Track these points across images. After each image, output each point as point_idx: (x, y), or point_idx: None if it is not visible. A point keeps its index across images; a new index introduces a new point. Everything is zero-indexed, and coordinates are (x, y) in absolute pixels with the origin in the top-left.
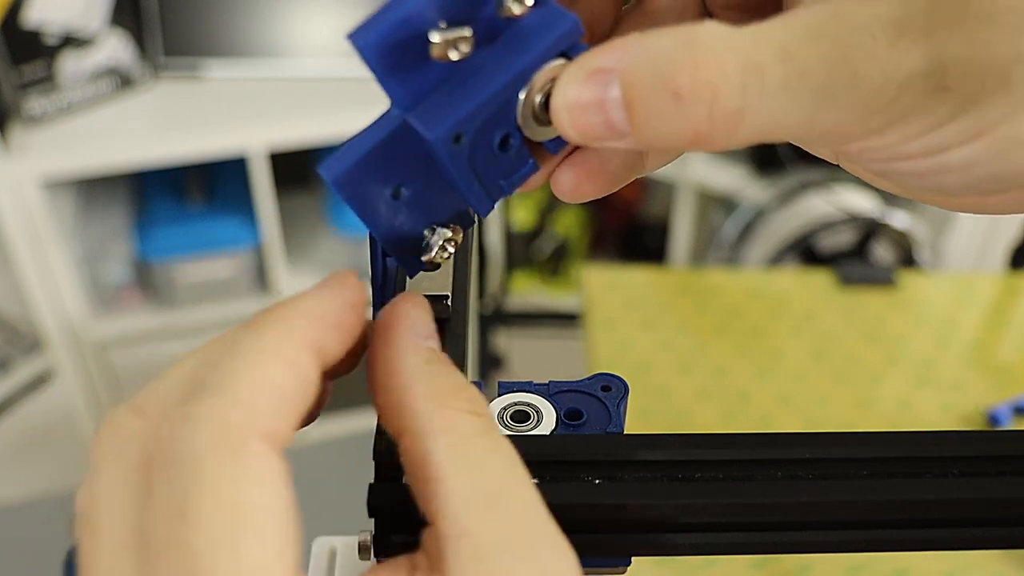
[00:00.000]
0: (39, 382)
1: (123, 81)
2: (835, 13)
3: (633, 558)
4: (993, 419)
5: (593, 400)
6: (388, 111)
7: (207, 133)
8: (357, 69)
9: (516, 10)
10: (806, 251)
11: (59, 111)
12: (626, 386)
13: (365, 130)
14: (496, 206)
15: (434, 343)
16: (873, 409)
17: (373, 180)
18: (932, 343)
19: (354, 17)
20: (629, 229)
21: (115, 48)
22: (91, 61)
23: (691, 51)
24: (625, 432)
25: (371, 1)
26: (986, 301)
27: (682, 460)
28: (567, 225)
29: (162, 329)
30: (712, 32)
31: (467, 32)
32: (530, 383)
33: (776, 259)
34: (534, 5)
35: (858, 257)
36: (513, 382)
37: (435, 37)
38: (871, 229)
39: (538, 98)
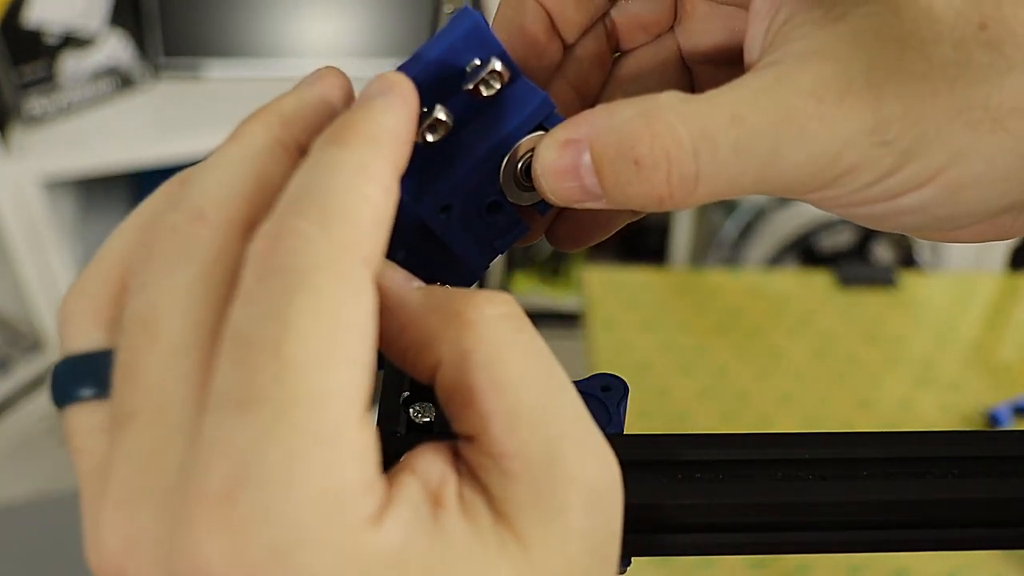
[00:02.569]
0: (39, 382)
1: (123, 81)
2: (781, 77)
3: (633, 558)
4: (993, 419)
5: (593, 400)
6: None
7: (207, 133)
8: (357, 69)
9: (485, 92)
10: (806, 251)
11: (59, 111)
12: (626, 386)
13: None
14: None
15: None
16: (873, 409)
17: None
18: (932, 343)
19: (353, 17)
20: (629, 230)
21: (115, 48)
22: (91, 61)
23: (649, 121)
24: (625, 432)
25: (371, 3)
26: (986, 301)
27: (682, 460)
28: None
29: None
30: (668, 102)
31: (443, 115)
32: None
33: (776, 259)
34: (508, 83)
35: (858, 257)
36: None
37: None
38: (871, 229)
39: (519, 166)
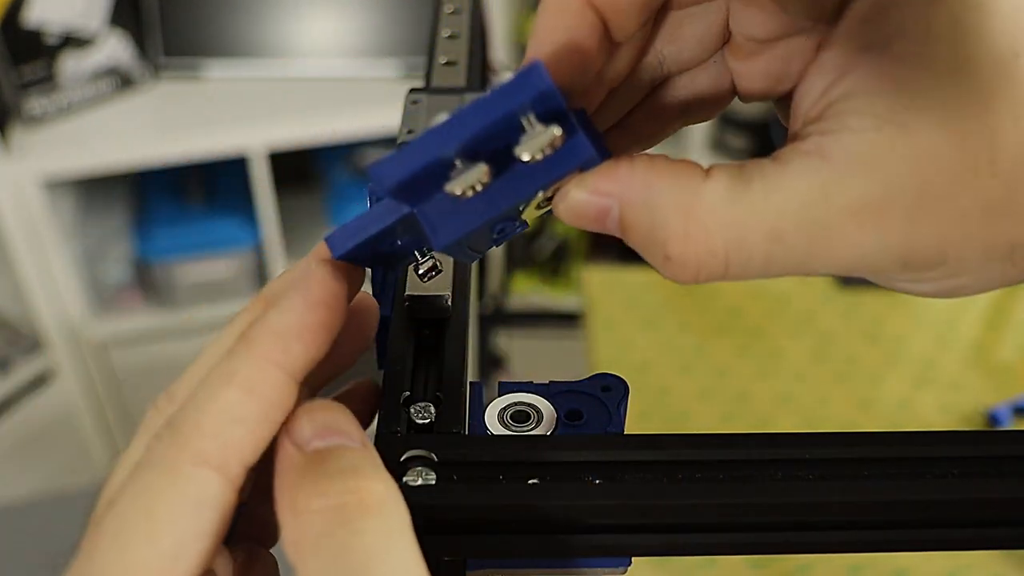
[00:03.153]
0: (39, 382)
1: (123, 81)
2: (827, 190)
3: (633, 558)
4: (993, 419)
5: (593, 400)
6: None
7: (207, 133)
8: (357, 69)
9: (538, 157)
10: None
11: (59, 111)
12: (626, 386)
13: (370, 212)
14: None
15: (320, 442)
16: (873, 409)
17: (373, 250)
18: (932, 343)
19: (353, 17)
20: None
21: (115, 48)
22: (91, 61)
23: (686, 222)
24: (625, 432)
25: (371, 3)
26: (986, 301)
27: (682, 460)
28: (567, 225)
29: (162, 329)
30: (709, 204)
31: (484, 170)
32: (530, 383)
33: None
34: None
35: None
36: (513, 382)
37: (456, 188)
38: None
39: (542, 194)
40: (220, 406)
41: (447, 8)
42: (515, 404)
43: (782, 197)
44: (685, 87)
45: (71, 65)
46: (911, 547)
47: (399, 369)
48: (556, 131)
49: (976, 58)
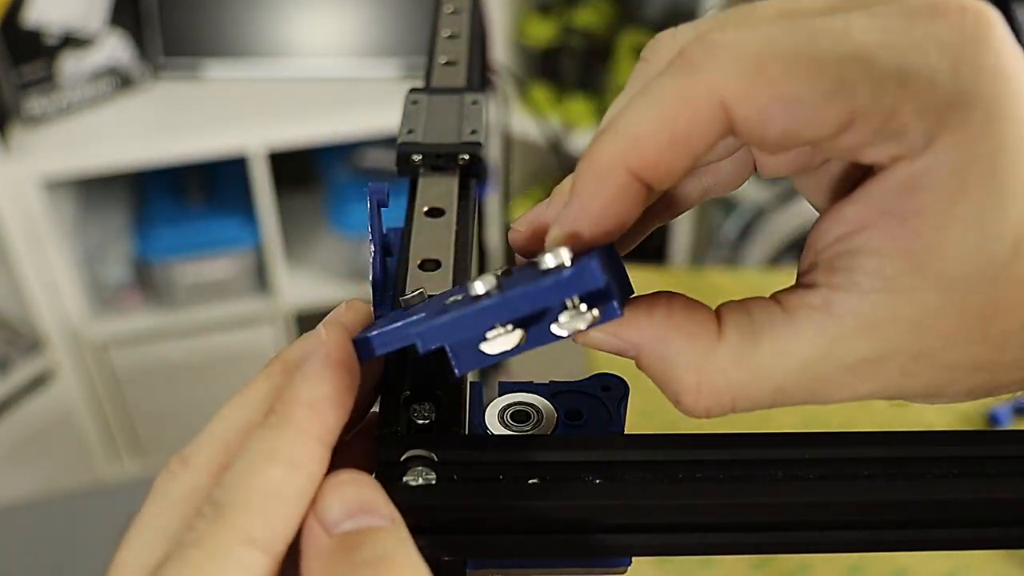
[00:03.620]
0: (39, 382)
1: (123, 81)
2: (831, 348)
3: (633, 558)
4: (993, 419)
5: (593, 400)
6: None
7: (207, 133)
8: (357, 69)
9: (563, 333)
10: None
11: (59, 111)
12: (626, 386)
13: (396, 320)
14: (496, 207)
15: (351, 523)
16: (873, 409)
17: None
18: None
19: (353, 17)
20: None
21: (115, 48)
22: (91, 61)
23: (698, 379)
24: (625, 432)
25: (371, 3)
26: None
27: (682, 460)
28: None
29: (162, 329)
30: (721, 365)
31: (519, 335)
32: (530, 383)
33: (776, 259)
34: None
35: None
36: (513, 382)
37: (490, 348)
38: None
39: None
40: (266, 484)
41: (447, 8)
42: (515, 404)
43: (789, 358)
44: (708, 173)
45: (71, 65)
46: (911, 547)
47: (399, 369)
48: (595, 312)
49: (987, 244)
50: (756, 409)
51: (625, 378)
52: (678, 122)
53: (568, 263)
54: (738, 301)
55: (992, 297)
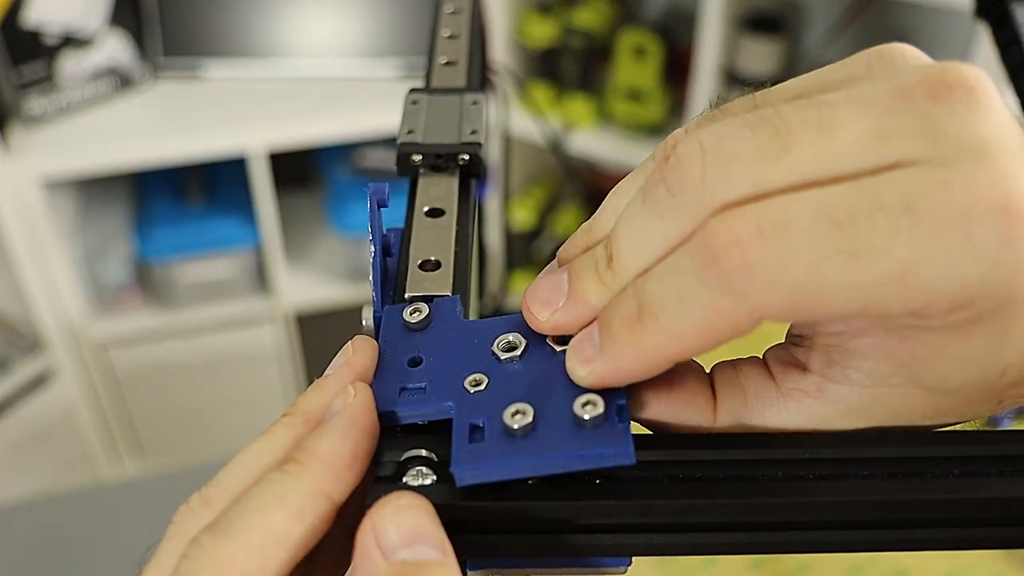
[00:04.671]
0: (39, 382)
1: (123, 81)
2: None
3: (633, 558)
4: (993, 419)
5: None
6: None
7: (207, 133)
8: (357, 69)
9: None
10: None
11: (59, 111)
12: None
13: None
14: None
15: (408, 552)
16: None
17: None
18: None
19: (353, 17)
20: None
21: (115, 48)
22: (91, 61)
23: None
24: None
25: (371, 3)
26: None
27: (682, 460)
28: (567, 225)
29: (162, 329)
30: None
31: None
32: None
33: None
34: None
35: None
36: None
37: None
38: None
39: None
40: (268, 527)
41: (447, 8)
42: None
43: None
44: None
45: (71, 65)
46: (911, 547)
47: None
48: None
49: (980, 374)
50: None
51: None
52: (718, 333)
53: (602, 411)
54: (733, 365)
55: (980, 397)
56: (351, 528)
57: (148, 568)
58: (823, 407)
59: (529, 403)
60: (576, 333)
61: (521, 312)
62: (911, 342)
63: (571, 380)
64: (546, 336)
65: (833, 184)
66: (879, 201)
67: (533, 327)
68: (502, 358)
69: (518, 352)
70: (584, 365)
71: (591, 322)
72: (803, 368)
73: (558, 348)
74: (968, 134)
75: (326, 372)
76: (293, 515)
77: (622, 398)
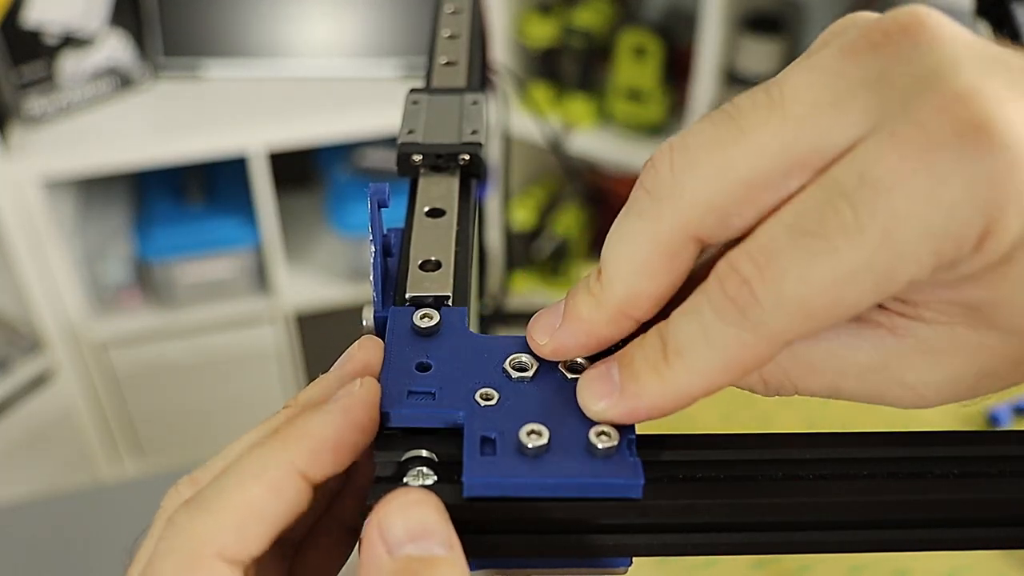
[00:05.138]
0: (39, 382)
1: (123, 81)
2: (884, 365)
3: (633, 558)
4: (993, 419)
5: None
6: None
7: (207, 133)
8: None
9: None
10: None
11: (59, 111)
12: None
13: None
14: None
15: (413, 547)
16: (873, 409)
17: None
18: None
19: (353, 17)
20: None
21: (115, 48)
22: (91, 61)
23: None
24: None
25: (371, 3)
26: None
27: (682, 460)
28: (567, 225)
29: (162, 329)
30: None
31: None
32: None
33: None
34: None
35: None
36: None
37: None
38: None
39: None
40: (246, 501)
41: (447, 8)
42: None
43: (843, 362)
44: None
45: (71, 65)
46: (911, 547)
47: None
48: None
49: None
50: (812, 396)
51: None
52: (744, 366)
53: (616, 443)
54: None
55: None
56: (346, 522)
57: (137, 553)
58: (896, 340)
59: (544, 425)
60: (577, 358)
61: None
62: (965, 288)
63: None
64: (558, 362)
65: (801, 189)
66: (838, 188)
67: (537, 353)
68: (513, 376)
69: (529, 373)
70: (599, 400)
71: (594, 347)
72: (878, 306)
73: (570, 375)
74: (916, 71)
75: (331, 369)
76: (270, 490)
77: (632, 432)
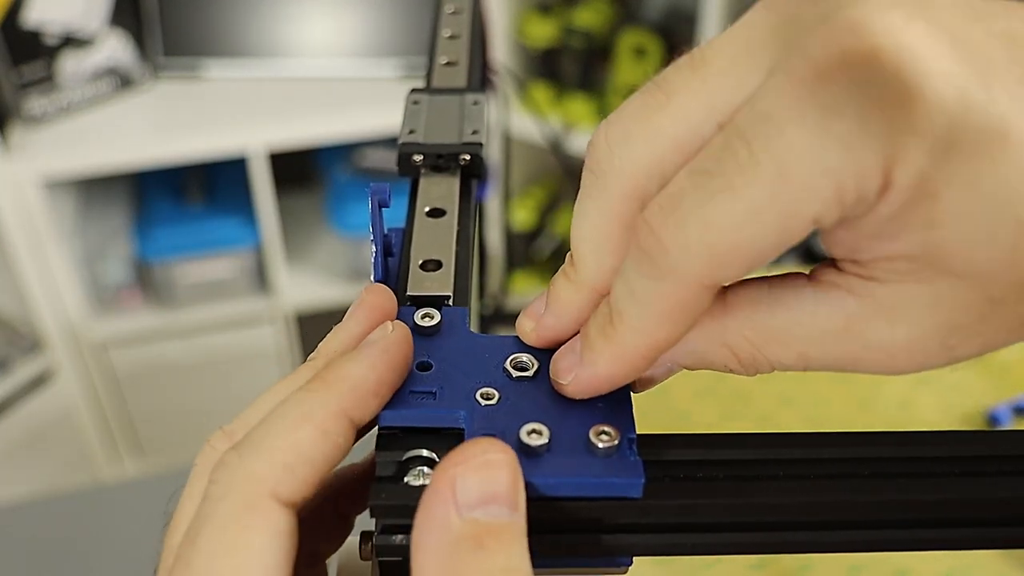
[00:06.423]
0: (39, 382)
1: (123, 81)
2: (845, 328)
3: (633, 558)
4: (993, 419)
5: None
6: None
7: (207, 133)
8: (357, 69)
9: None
10: (806, 251)
11: (59, 111)
12: None
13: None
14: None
15: (481, 512)
16: (873, 409)
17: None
18: None
19: (353, 17)
20: None
21: (115, 48)
22: (91, 61)
23: (726, 351)
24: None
25: (371, 3)
26: None
27: (683, 460)
28: (567, 225)
29: (162, 329)
30: (738, 337)
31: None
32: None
33: (776, 259)
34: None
35: None
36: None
37: None
38: None
39: None
40: (295, 442)
41: (447, 8)
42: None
43: (811, 327)
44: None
45: (71, 65)
46: (911, 547)
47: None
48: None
49: (999, 252)
50: (786, 369)
51: None
52: (675, 316)
53: (616, 442)
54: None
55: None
56: (331, 498)
57: (179, 505)
58: (855, 301)
59: (545, 424)
60: None
61: None
62: (902, 237)
63: (586, 408)
64: None
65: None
66: (736, 129)
67: (526, 341)
68: (514, 376)
69: (530, 372)
70: (567, 375)
71: (578, 329)
72: (832, 268)
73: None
74: (822, 10)
75: (346, 317)
76: (319, 432)
77: (632, 432)
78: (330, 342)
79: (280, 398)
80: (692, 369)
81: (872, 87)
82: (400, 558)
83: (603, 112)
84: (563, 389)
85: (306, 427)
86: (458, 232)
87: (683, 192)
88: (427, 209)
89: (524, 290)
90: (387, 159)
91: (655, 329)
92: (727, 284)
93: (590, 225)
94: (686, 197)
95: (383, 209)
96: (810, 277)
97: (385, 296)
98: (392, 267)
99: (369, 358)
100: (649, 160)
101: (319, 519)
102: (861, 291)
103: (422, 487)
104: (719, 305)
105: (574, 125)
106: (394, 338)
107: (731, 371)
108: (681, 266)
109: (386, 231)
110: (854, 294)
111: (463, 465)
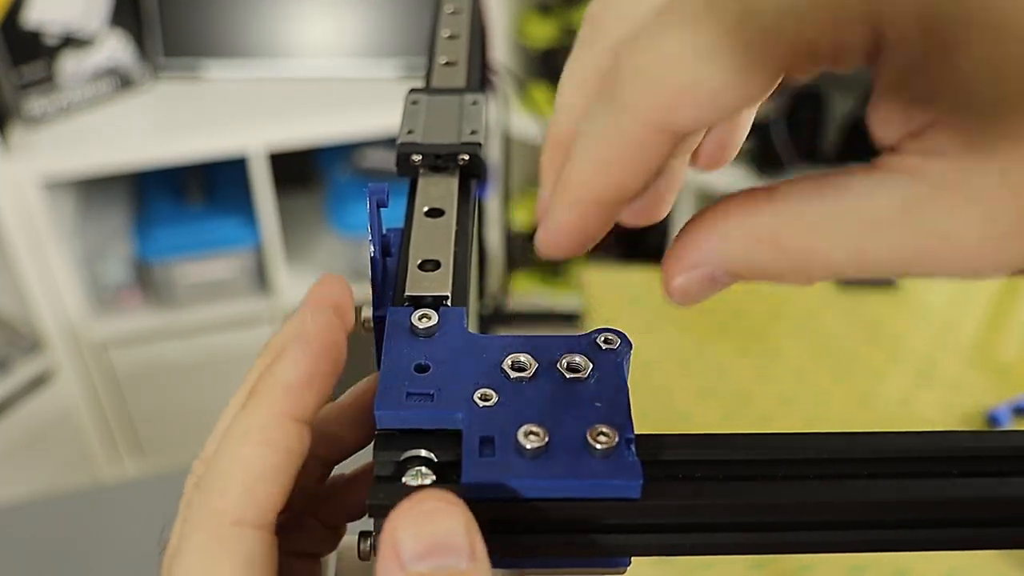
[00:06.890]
0: (39, 382)
1: (123, 81)
2: (905, 211)
3: (633, 558)
4: (993, 419)
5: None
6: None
7: (207, 133)
8: (357, 69)
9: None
10: None
11: (59, 111)
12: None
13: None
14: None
15: (428, 564)
16: (873, 409)
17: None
18: (932, 343)
19: (353, 17)
20: (629, 229)
21: (115, 48)
22: (91, 61)
23: (776, 252)
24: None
25: (371, 3)
26: (986, 301)
27: (682, 460)
28: None
29: (162, 329)
30: (789, 228)
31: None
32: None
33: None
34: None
35: None
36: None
37: None
38: None
39: None
40: (247, 466)
41: (447, 8)
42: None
43: (869, 213)
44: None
45: (71, 65)
46: (911, 547)
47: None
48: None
49: (1005, 88)
50: (841, 275)
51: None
52: (626, 154)
53: (615, 443)
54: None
55: None
56: (302, 502)
57: (172, 534)
58: (913, 182)
59: (543, 425)
60: (576, 356)
61: (529, 334)
62: (946, 89)
63: (584, 408)
64: (557, 362)
65: None
66: None
67: (545, 246)
68: (512, 376)
69: (528, 373)
70: (541, 235)
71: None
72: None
73: (569, 375)
74: None
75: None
76: (264, 447)
77: (631, 432)
78: (277, 336)
79: (236, 407)
80: (736, 279)
81: None
82: None
83: None
84: (538, 250)
85: (247, 446)
86: (456, 232)
87: (648, 25)
88: (425, 209)
89: (524, 290)
90: (387, 159)
91: (603, 170)
92: (684, 134)
93: (571, 71)
94: (649, 29)
95: (382, 209)
96: (868, 166)
97: (334, 286)
98: (391, 267)
99: (291, 355)
100: (647, 11)
101: (305, 526)
102: (918, 169)
103: (420, 487)
104: (764, 197)
105: None
106: (314, 329)
107: (781, 278)
108: (633, 99)
109: (384, 231)
110: (910, 173)
111: (400, 519)
